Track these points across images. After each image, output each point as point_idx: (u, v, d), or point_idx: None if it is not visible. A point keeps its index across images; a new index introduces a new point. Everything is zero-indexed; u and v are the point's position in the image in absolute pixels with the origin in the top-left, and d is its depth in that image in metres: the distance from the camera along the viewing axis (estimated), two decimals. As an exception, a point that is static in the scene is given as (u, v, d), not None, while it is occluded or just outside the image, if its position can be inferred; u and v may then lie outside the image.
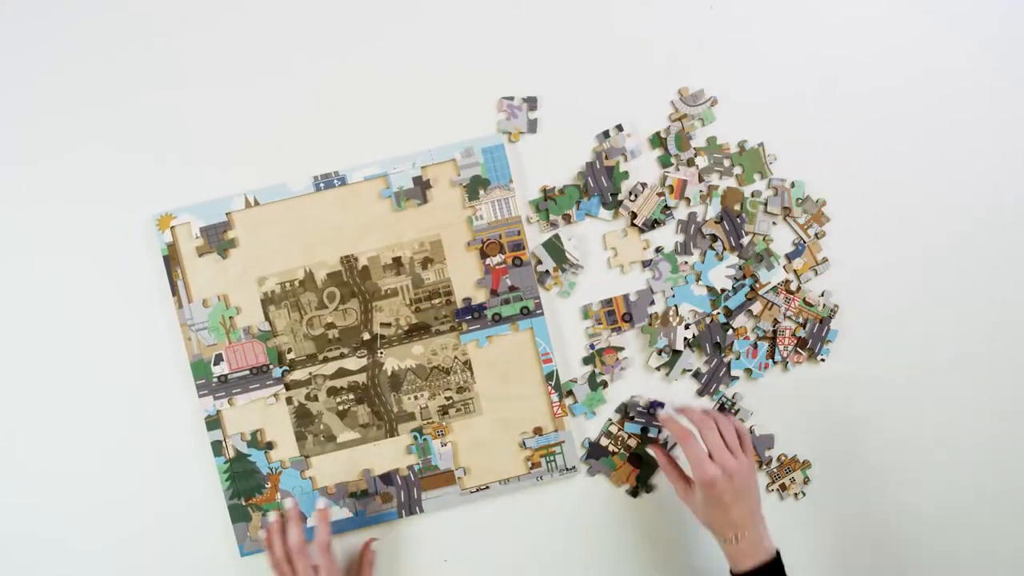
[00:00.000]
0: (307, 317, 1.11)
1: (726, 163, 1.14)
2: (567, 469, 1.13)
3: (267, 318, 1.11)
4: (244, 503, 1.10)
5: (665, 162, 1.14)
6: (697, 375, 1.14)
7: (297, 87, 1.12)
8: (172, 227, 1.09)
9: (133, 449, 1.12)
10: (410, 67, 1.13)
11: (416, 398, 1.12)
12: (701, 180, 1.13)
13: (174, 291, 1.10)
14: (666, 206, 1.13)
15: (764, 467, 1.15)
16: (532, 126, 1.13)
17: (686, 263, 1.13)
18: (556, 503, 1.14)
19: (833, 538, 1.16)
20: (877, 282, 1.16)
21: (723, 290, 1.13)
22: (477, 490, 1.12)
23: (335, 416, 1.12)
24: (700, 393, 1.14)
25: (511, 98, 1.13)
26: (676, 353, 1.13)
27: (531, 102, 1.13)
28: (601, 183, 1.12)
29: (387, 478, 1.12)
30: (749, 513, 0.99)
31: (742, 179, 1.14)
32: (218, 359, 1.10)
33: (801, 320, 1.14)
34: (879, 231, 1.16)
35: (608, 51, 1.14)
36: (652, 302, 1.13)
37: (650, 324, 1.13)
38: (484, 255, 1.11)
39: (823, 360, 1.15)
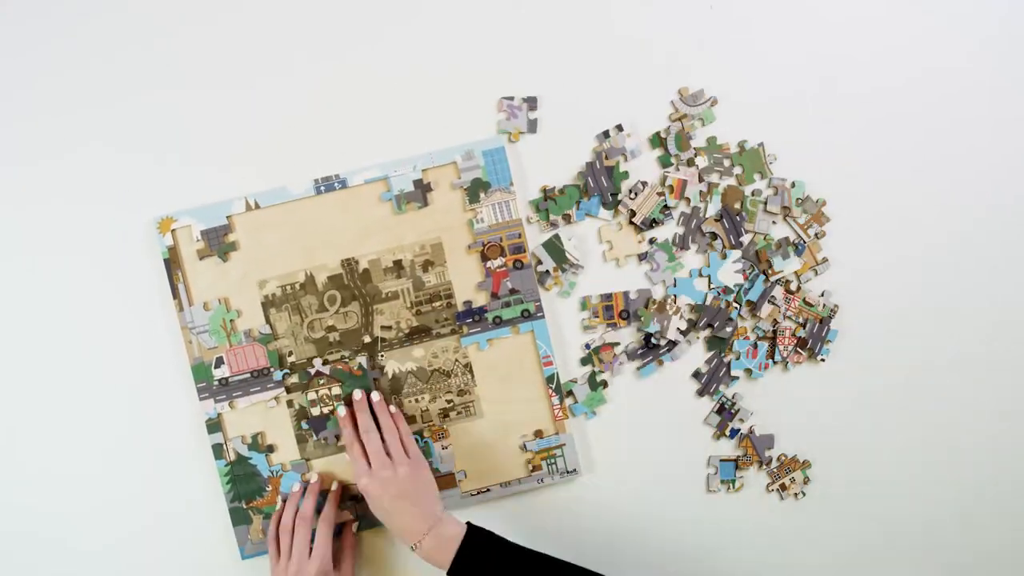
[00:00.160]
0: (308, 320, 1.11)
1: (726, 163, 1.14)
2: (568, 472, 1.13)
3: (268, 321, 1.11)
4: (245, 506, 1.11)
5: (665, 162, 1.13)
6: (697, 375, 1.15)
7: (297, 87, 1.12)
8: (173, 230, 1.09)
9: (134, 452, 1.12)
10: (410, 67, 1.13)
11: (417, 401, 1.12)
12: (701, 180, 1.13)
13: (175, 294, 1.09)
14: (665, 206, 1.13)
15: (764, 467, 1.15)
16: (532, 126, 1.13)
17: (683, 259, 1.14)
18: (557, 506, 1.14)
19: (833, 538, 1.17)
20: (877, 282, 1.16)
21: (737, 286, 1.13)
22: (478, 493, 1.12)
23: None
24: (700, 393, 1.14)
25: (511, 98, 1.13)
26: (654, 348, 1.13)
27: (531, 102, 1.13)
28: (601, 183, 1.12)
29: (388, 480, 1.12)
30: (420, 516, 1.00)
31: (742, 179, 1.14)
32: (219, 362, 1.10)
33: (801, 320, 1.14)
34: (879, 231, 1.16)
35: (608, 51, 1.14)
36: (651, 297, 1.13)
37: (646, 308, 1.13)
38: (485, 258, 1.11)
39: (823, 360, 1.15)
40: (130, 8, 1.12)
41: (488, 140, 1.12)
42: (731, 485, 1.15)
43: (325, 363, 1.11)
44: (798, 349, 1.14)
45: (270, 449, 1.11)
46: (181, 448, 1.11)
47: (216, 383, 1.10)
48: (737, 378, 1.15)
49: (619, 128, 1.13)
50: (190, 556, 1.12)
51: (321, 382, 1.11)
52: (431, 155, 1.11)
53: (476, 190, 1.11)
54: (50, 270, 1.11)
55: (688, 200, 1.13)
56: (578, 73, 1.14)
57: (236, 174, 1.11)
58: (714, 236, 1.14)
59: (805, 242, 1.14)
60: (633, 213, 1.13)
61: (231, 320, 1.10)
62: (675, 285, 1.14)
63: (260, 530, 1.11)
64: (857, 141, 1.15)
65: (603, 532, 1.14)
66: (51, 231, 1.11)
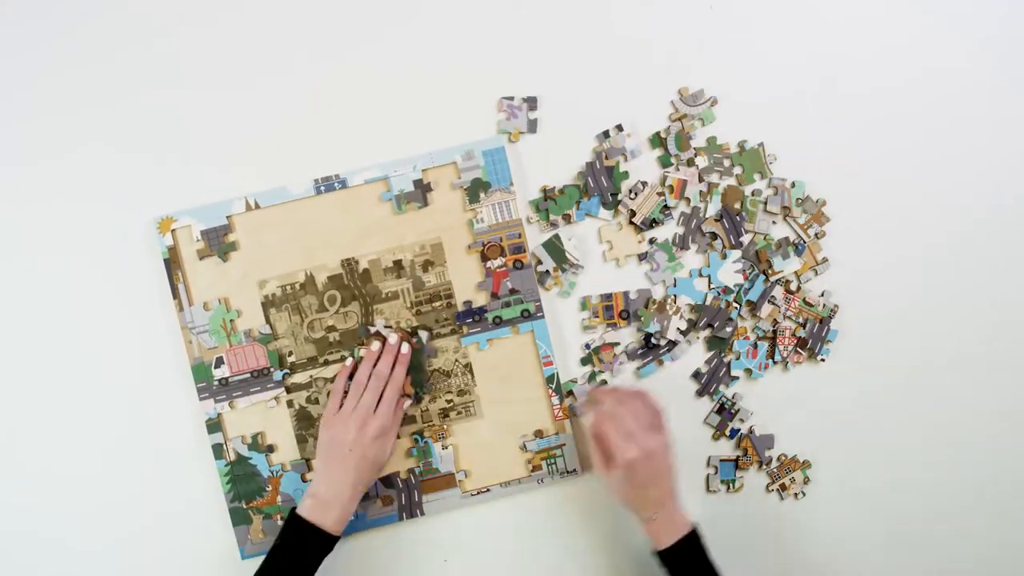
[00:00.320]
0: (308, 320, 1.11)
1: (726, 163, 1.14)
2: (568, 472, 1.13)
3: (268, 321, 1.11)
4: (245, 506, 1.11)
5: (665, 162, 1.13)
6: (697, 375, 1.15)
7: (297, 87, 1.12)
8: (173, 230, 1.09)
9: (134, 452, 1.12)
10: (410, 67, 1.13)
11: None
12: (701, 180, 1.13)
13: (175, 294, 1.09)
14: (665, 206, 1.13)
15: (764, 467, 1.15)
16: (532, 126, 1.13)
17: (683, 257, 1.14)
18: (557, 506, 1.14)
19: (833, 538, 1.17)
20: (877, 282, 1.16)
21: (737, 286, 1.13)
22: (478, 493, 1.12)
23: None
24: (700, 393, 1.14)
25: (511, 98, 1.13)
26: (654, 348, 1.13)
27: (531, 102, 1.13)
28: (601, 183, 1.12)
29: (388, 481, 1.12)
30: (666, 491, 1.01)
31: (742, 179, 1.14)
32: (219, 362, 1.10)
33: (801, 320, 1.14)
34: (879, 231, 1.16)
35: (608, 51, 1.14)
36: (651, 297, 1.13)
37: (646, 308, 1.13)
38: (485, 258, 1.11)
39: (823, 360, 1.15)
40: (130, 8, 1.12)
41: (488, 140, 1.12)
42: (731, 485, 1.15)
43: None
44: (798, 349, 1.14)
45: (270, 449, 1.11)
46: (181, 448, 1.11)
47: (216, 383, 1.10)
48: (737, 378, 1.15)
49: (619, 128, 1.13)
50: (190, 556, 1.12)
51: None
52: (431, 155, 1.11)
53: (476, 190, 1.11)
54: (50, 270, 1.11)
55: (688, 200, 1.13)
56: (578, 73, 1.14)
57: (236, 174, 1.11)
58: (714, 236, 1.14)
59: (805, 242, 1.14)
60: (633, 213, 1.13)
61: (231, 320, 1.10)
62: (675, 285, 1.14)
63: (260, 530, 1.11)
64: (857, 141, 1.15)
65: (603, 532, 1.14)
66: (51, 231, 1.11)
